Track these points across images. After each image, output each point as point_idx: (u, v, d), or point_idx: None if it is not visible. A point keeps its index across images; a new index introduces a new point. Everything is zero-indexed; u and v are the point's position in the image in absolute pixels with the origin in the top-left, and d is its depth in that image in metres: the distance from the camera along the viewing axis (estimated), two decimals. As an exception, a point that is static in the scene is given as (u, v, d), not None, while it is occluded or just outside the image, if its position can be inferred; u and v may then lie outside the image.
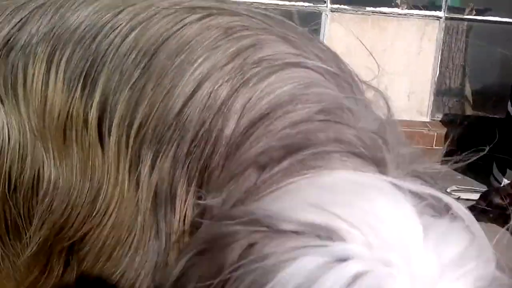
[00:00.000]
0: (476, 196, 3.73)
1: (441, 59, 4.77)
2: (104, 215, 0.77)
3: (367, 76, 4.01)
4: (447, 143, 4.34)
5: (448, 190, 3.78)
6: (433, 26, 4.49)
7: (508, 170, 3.87)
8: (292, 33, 0.86)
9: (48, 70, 0.80)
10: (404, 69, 4.55)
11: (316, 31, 4.56)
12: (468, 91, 5.52)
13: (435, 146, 4.46)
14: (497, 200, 1.99)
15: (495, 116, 4.92)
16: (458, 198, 3.64)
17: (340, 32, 4.44)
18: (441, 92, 5.11)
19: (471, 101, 5.58)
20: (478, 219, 1.81)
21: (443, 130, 4.47)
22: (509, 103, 4.08)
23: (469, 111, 5.40)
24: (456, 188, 3.81)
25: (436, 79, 4.59)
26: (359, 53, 4.55)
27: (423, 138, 4.44)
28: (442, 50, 4.77)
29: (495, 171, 4.09)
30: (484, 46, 5.65)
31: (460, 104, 5.38)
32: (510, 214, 1.96)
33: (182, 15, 0.81)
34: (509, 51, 5.05)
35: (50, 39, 0.82)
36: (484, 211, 2.05)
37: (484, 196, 2.06)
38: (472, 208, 2.09)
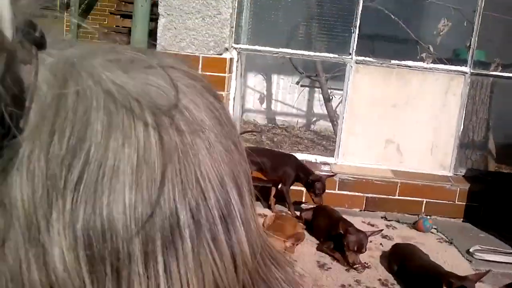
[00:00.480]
0: (499, 258, 3.64)
1: (465, 113, 4.74)
2: None
3: (389, 129, 4.04)
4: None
5: (471, 250, 3.69)
6: (458, 80, 4.49)
7: (533, 232, 3.77)
8: None
9: None
10: (428, 123, 4.54)
11: (340, 78, 4.59)
12: (491, 145, 5.47)
13: (457, 201, 4.39)
14: None
15: (519, 172, 4.85)
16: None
17: (364, 83, 4.47)
18: (464, 145, 5.07)
19: (495, 155, 5.52)
20: None
21: (466, 186, 4.40)
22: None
23: (492, 166, 5.34)
24: (480, 248, 3.71)
25: (460, 133, 4.55)
26: (383, 104, 4.60)
27: (446, 193, 4.38)
28: (466, 104, 4.75)
29: (520, 231, 3.99)
30: (508, 100, 5.63)
31: (483, 158, 5.33)
32: None
33: None
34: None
35: None
36: None
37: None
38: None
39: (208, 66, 4.18)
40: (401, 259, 3.20)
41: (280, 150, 4.28)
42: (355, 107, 4.51)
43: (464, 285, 2.64)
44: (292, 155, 4.23)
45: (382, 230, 3.38)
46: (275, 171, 3.94)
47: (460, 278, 2.72)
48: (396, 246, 3.41)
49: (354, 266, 3.22)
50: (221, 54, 4.18)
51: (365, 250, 3.23)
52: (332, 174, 4.11)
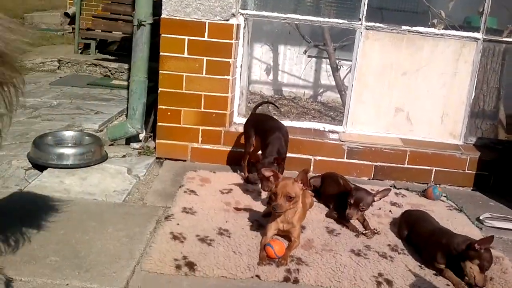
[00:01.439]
0: (509, 225, 3.61)
1: (476, 81, 4.65)
2: None
3: (399, 97, 3.99)
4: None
5: (481, 217, 3.66)
6: (470, 47, 4.39)
7: (544, 199, 3.73)
8: None
9: None
10: (438, 91, 4.46)
11: (348, 48, 4.51)
12: (502, 114, 5.38)
13: (467, 170, 4.35)
14: None
15: (530, 141, 4.78)
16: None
17: (374, 50, 4.38)
18: (474, 114, 4.99)
19: (505, 125, 5.43)
20: None
21: (477, 154, 4.34)
22: (547, 129, 3.94)
23: (502, 135, 5.25)
24: (490, 216, 3.68)
25: (471, 101, 4.47)
26: (393, 72, 4.53)
27: (456, 162, 4.33)
28: (478, 72, 4.66)
29: (531, 199, 3.95)
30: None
31: (493, 127, 5.24)
32: None
33: None
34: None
35: None
36: None
37: None
38: None
39: (215, 32, 4.11)
40: (411, 225, 3.18)
41: (274, 122, 3.98)
42: (364, 75, 4.43)
43: (474, 247, 2.61)
44: (281, 128, 3.85)
45: (389, 189, 3.33)
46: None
47: (470, 241, 2.70)
48: (406, 212, 3.38)
49: (364, 232, 3.20)
50: (227, 20, 4.09)
51: (365, 207, 3.19)
52: None
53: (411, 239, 3.12)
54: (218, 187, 3.74)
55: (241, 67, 4.43)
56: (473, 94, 4.50)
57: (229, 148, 4.31)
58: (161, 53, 4.16)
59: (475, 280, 2.62)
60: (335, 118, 5.96)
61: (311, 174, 4.07)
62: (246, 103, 5.08)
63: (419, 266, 2.87)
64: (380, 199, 3.28)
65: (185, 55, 4.15)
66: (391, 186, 4.15)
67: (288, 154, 4.19)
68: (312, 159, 4.30)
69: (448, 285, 2.71)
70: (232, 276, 2.58)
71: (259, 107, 4.35)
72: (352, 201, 3.17)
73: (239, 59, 4.38)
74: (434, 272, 2.81)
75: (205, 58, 4.15)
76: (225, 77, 4.18)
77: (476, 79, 4.46)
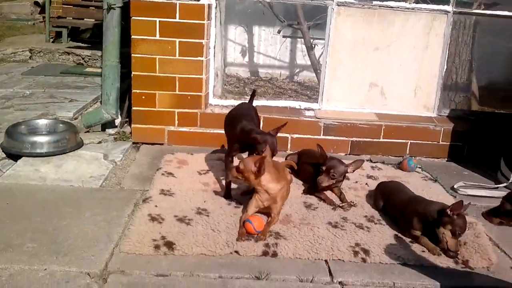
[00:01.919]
0: (483, 192, 3.69)
1: (448, 54, 4.71)
2: None
3: (372, 73, 4.04)
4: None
5: (455, 186, 3.74)
6: (441, 20, 4.43)
7: (516, 166, 3.82)
8: None
9: None
10: (411, 64, 4.50)
11: (322, 26, 4.51)
12: (475, 86, 5.47)
13: (441, 141, 4.42)
14: None
15: (502, 111, 4.87)
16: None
17: (346, 26, 4.39)
18: (447, 87, 5.06)
19: (478, 97, 5.53)
20: (503, 223, 1.74)
21: (450, 126, 4.42)
22: (517, 98, 4.02)
23: (475, 107, 5.35)
24: (463, 184, 3.76)
25: (443, 74, 4.53)
26: (365, 47, 4.55)
27: (430, 134, 4.40)
28: (449, 45, 4.71)
29: (503, 167, 4.04)
30: (491, 40, 5.60)
31: (466, 99, 5.33)
32: None
33: None
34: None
35: None
36: (509, 214, 2.00)
37: (509, 199, 2.01)
38: (496, 212, 2.05)
39: (186, 13, 4.07)
40: (386, 196, 3.23)
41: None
42: (338, 52, 4.45)
43: (447, 213, 2.68)
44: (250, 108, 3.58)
45: (363, 160, 3.40)
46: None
47: (442, 205, 2.77)
48: (381, 184, 3.44)
49: (340, 205, 3.25)
50: (198, 0, 4.06)
51: (337, 174, 3.25)
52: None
53: (387, 209, 3.18)
54: (196, 168, 3.74)
55: (214, 48, 4.41)
56: (445, 67, 4.55)
57: (206, 130, 4.30)
58: (132, 36, 4.11)
59: (447, 244, 2.68)
60: (311, 97, 5.97)
61: (288, 151, 4.10)
62: (222, 84, 5.07)
63: (395, 235, 2.93)
64: (353, 170, 3.33)
65: (157, 37, 4.11)
66: (367, 161, 4.20)
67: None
68: (289, 137, 4.33)
69: (423, 251, 2.77)
70: (211, 253, 2.60)
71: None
72: (324, 168, 3.23)
73: (212, 40, 4.36)
74: (410, 240, 2.88)
75: (177, 40, 4.12)
76: (199, 58, 4.16)
77: (447, 52, 4.52)
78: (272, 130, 3.09)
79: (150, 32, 4.09)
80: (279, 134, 3.83)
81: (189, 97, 4.23)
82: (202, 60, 4.16)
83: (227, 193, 3.25)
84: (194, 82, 4.21)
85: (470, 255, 2.73)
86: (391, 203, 3.15)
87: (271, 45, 7.17)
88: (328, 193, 3.41)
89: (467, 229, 2.83)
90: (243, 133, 3.10)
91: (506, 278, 2.61)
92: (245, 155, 3.21)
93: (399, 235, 2.93)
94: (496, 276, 2.62)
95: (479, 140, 4.42)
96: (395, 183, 3.40)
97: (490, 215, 2.10)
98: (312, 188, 3.40)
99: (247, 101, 3.72)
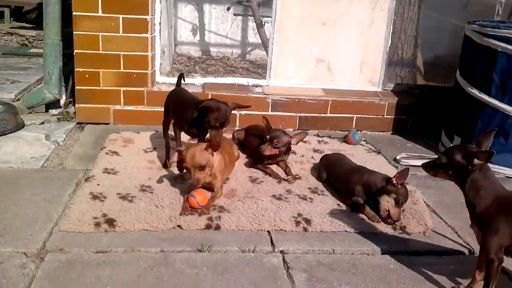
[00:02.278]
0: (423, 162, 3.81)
1: (393, 30, 4.79)
2: None
3: (319, 48, 4.07)
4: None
5: (398, 157, 3.85)
6: (385, -5, 4.49)
7: (455, 137, 3.96)
8: None
9: None
10: (357, 40, 4.56)
11: (271, 2, 4.50)
12: (420, 61, 5.60)
13: (386, 115, 4.53)
14: (458, 158, 2.02)
15: (445, 85, 5.01)
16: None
17: (293, 2, 4.39)
18: (393, 63, 5.16)
19: (423, 72, 5.66)
20: (437, 175, 1.83)
21: (395, 100, 4.52)
22: (457, 72, 4.15)
23: (420, 81, 5.48)
24: (406, 155, 3.87)
25: (388, 49, 4.61)
26: (312, 23, 4.56)
27: (375, 108, 4.50)
28: (394, 21, 4.79)
29: (443, 138, 4.18)
30: (436, 16, 5.73)
31: (412, 74, 5.45)
32: (470, 171, 2.01)
33: None
34: (459, 21, 5.12)
35: None
36: (445, 166, 2.08)
37: (446, 153, 2.10)
38: (432, 164, 2.13)
39: (129, -12, 3.97)
40: (329, 167, 3.29)
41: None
42: (285, 28, 4.45)
43: (392, 182, 2.77)
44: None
45: (306, 132, 3.46)
46: None
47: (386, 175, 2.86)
48: (324, 156, 3.50)
49: (285, 178, 3.29)
50: (141, -25, 3.96)
51: (279, 144, 3.28)
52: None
53: (331, 180, 3.24)
54: (142, 146, 3.70)
55: (160, 25, 4.33)
56: (390, 42, 4.63)
57: (153, 108, 4.24)
58: (73, 13, 3.98)
59: (389, 213, 2.76)
60: (262, 75, 5.96)
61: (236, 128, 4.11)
62: (170, 62, 5.00)
63: (337, 204, 3.00)
64: (297, 142, 3.37)
65: (100, 13, 3.99)
66: (314, 135, 4.26)
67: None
68: (238, 114, 4.33)
69: (363, 219, 2.85)
70: (154, 228, 2.58)
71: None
72: (267, 137, 3.26)
73: (157, 16, 4.27)
74: (351, 209, 2.95)
75: (121, 16, 4.01)
76: (144, 35, 4.07)
77: (392, 27, 4.59)
78: (230, 102, 3.04)
79: (92, 8, 3.97)
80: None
81: (134, 75, 4.15)
82: (147, 37, 4.08)
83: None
84: (140, 60, 4.13)
85: (408, 221, 2.83)
86: (335, 174, 3.21)
87: (222, 24, 7.11)
88: (274, 167, 3.44)
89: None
90: (194, 105, 3.00)
91: (441, 242, 2.72)
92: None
93: (341, 204, 2.99)
94: (432, 240, 2.73)
95: (422, 113, 4.55)
96: (338, 155, 3.47)
97: (428, 167, 2.19)
98: (257, 160, 3.42)
99: (195, 80, 3.71)
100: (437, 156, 2.21)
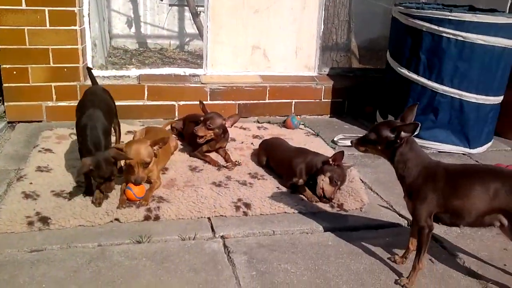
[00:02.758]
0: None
1: (327, 16, 4.88)
2: None
3: (254, 35, 4.08)
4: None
5: (335, 139, 3.94)
6: (316, -19, 4.56)
7: (389, 116, 4.10)
8: None
9: None
10: (290, 26, 4.61)
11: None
12: (354, 45, 5.75)
13: (323, 99, 4.62)
14: (386, 132, 2.09)
15: (378, 67, 5.17)
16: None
17: (225, -10, 4.38)
18: (328, 47, 5.27)
19: (357, 55, 5.82)
20: (367, 151, 1.88)
21: (330, 83, 4.62)
22: (387, 53, 4.28)
23: (356, 64, 5.63)
24: (343, 137, 3.97)
25: (321, 34, 4.69)
26: (245, 11, 4.56)
27: (312, 92, 4.58)
28: (327, 6, 4.88)
29: (378, 117, 4.32)
30: (367, 1, 5.89)
31: (347, 58, 5.60)
32: (397, 145, 2.08)
33: None
34: (389, 4, 5.29)
35: None
36: (374, 142, 2.14)
37: (374, 129, 2.16)
38: (362, 140, 2.19)
39: (53, -21, 3.82)
40: (269, 151, 3.33)
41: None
42: (219, 15, 4.43)
43: (328, 161, 2.84)
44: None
45: (239, 115, 3.57)
46: None
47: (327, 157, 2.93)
48: (264, 141, 3.53)
49: (225, 165, 3.29)
50: (65, -35, 3.81)
51: (212, 125, 3.29)
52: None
53: (271, 164, 3.28)
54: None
55: (89, 16, 4.20)
56: (322, 27, 4.71)
57: (88, 103, 4.12)
58: (-5, 7, 3.79)
59: (323, 191, 2.83)
60: (202, 65, 5.94)
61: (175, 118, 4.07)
62: (103, 55, 4.87)
63: (276, 188, 3.04)
64: (231, 124, 3.39)
65: (23, 6, 3.82)
66: (254, 122, 4.29)
67: (151, 102, 4.17)
68: (176, 105, 4.28)
69: (302, 200, 2.90)
70: (90, 223, 2.52)
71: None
72: (201, 119, 3.27)
73: (86, 8, 4.14)
74: (291, 191, 3.00)
75: (46, 9, 3.86)
76: (72, 27, 3.94)
77: (324, 12, 4.67)
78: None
79: (14, 1, 3.79)
80: (165, 102, 3.80)
81: (65, 70, 4.01)
82: (76, 29, 3.95)
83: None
84: (70, 53, 3.99)
85: (345, 199, 2.91)
86: (275, 157, 3.25)
87: (158, 15, 7.00)
88: (214, 155, 3.44)
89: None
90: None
91: (377, 216, 2.82)
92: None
93: (280, 187, 3.04)
94: (368, 215, 2.82)
95: (357, 95, 4.68)
96: (277, 139, 3.51)
97: (358, 143, 2.25)
98: (195, 148, 3.41)
99: (130, 72, 3.61)
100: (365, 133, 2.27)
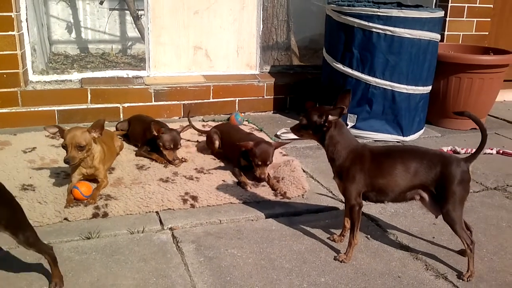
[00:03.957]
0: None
1: (266, 16, 5.05)
2: None
3: (195, 36, 4.20)
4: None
5: (278, 133, 4.10)
6: (253, -18, 4.72)
7: (328, 109, 4.29)
8: None
9: None
10: (230, 26, 4.75)
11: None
12: (293, 44, 5.95)
13: (266, 96, 4.78)
14: (315, 117, 2.25)
15: (317, 64, 5.38)
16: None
17: (164, -8, 4.46)
18: (269, 47, 5.44)
19: (297, 53, 6.03)
20: (303, 136, 2.04)
21: (272, 81, 4.79)
22: (324, 49, 4.49)
23: (296, 62, 5.84)
24: (285, 130, 4.13)
25: (261, 33, 4.85)
26: (185, 11, 4.65)
27: (255, 90, 4.73)
28: (266, 7, 5.05)
29: (318, 111, 4.52)
30: (304, 0, 6.11)
31: (288, 56, 5.79)
32: (326, 128, 2.24)
33: None
34: (324, 3, 5.52)
35: None
36: (306, 127, 2.29)
37: (305, 115, 2.32)
38: (298, 127, 2.34)
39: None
40: (222, 133, 3.56)
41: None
42: (159, 17, 4.51)
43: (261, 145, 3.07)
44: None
45: (189, 126, 3.63)
46: None
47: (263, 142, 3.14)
48: (216, 126, 3.73)
49: (176, 164, 3.38)
50: (0, -30, 3.78)
51: (180, 146, 3.40)
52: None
53: (223, 148, 3.47)
54: (20, 147, 3.57)
55: (27, 21, 4.16)
56: (262, 27, 4.87)
57: (30, 109, 4.09)
58: None
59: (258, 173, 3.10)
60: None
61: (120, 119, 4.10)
62: (44, 60, 4.82)
63: (222, 181, 3.15)
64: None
65: (-43, 13, 3.75)
66: (200, 121, 4.39)
67: (95, 105, 4.19)
68: (121, 107, 4.32)
69: (246, 190, 3.03)
70: (38, 224, 2.54)
71: None
72: (171, 146, 3.34)
73: (23, 13, 4.10)
74: (237, 182, 3.12)
75: (-19, 15, 3.81)
76: (10, 33, 3.90)
77: (262, 12, 4.84)
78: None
79: None
80: (109, 105, 3.86)
81: (4, 76, 3.97)
82: (14, 35, 3.91)
83: None
84: (8, 59, 3.95)
85: (287, 187, 3.07)
86: (227, 140, 3.41)
87: (98, 19, 6.95)
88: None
89: (284, 165, 3.18)
90: None
91: (317, 202, 2.99)
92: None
93: (226, 180, 3.16)
94: (309, 201, 2.99)
95: (298, 91, 4.87)
96: (229, 124, 3.77)
97: (295, 129, 2.40)
98: (143, 150, 3.48)
99: (71, 76, 3.67)
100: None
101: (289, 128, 4.13)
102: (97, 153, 2.91)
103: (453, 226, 2.22)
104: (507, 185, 3.35)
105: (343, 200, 2.92)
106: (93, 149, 2.86)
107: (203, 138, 3.85)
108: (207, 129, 4.15)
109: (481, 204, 3.06)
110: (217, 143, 3.48)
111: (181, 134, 3.43)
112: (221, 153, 3.52)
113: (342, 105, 2.33)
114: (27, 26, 4.18)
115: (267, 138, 4.01)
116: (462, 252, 2.43)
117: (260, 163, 3.05)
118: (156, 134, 3.33)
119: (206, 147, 3.66)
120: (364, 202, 2.33)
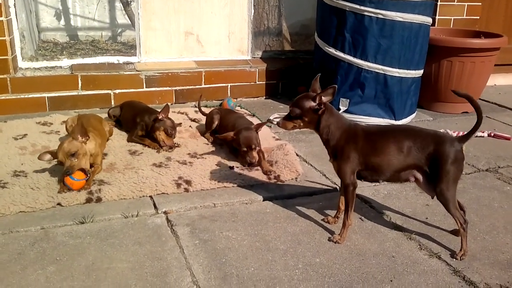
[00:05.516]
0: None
1: (257, 1, 5.01)
2: None
3: (186, 21, 4.19)
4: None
5: (271, 117, 4.10)
6: (243, -34, 4.67)
7: (320, 94, 4.29)
8: None
9: None
10: (222, 11, 4.71)
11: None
12: (285, 29, 5.92)
13: (258, 81, 4.77)
14: (309, 103, 2.23)
15: (309, 49, 5.37)
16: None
17: (154, -23, 4.41)
18: (261, 32, 5.41)
19: (289, 38, 6.00)
20: (295, 127, 2.02)
21: (264, 66, 4.77)
22: (315, 34, 4.48)
23: (287, 47, 5.82)
24: (278, 115, 4.13)
25: (252, 18, 4.82)
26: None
27: (247, 75, 4.71)
28: (258, -8, 5.02)
29: (310, 96, 4.51)
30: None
31: (279, 42, 5.76)
32: (321, 112, 2.23)
33: None
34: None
35: None
36: (300, 116, 2.27)
37: (296, 105, 2.29)
38: (288, 118, 2.32)
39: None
40: (221, 115, 3.58)
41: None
42: (150, 2, 4.46)
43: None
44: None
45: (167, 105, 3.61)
46: None
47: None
48: (216, 108, 3.79)
49: (168, 149, 3.36)
50: (-14, -46, 3.71)
51: (175, 133, 3.39)
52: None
53: (220, 129, 3.48)
54: (11, 134, 3.54)
55: (15, 7, 4.10)
56: (253, 12, 4.84)
57: (20, 96, 4.05)
58: None
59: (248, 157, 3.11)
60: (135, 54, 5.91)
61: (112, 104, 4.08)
62: (33, 46, 4.77)
63: (215, 165, 3.15)
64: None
65: None
66: (192, 107, 4.37)
67: (86, 92, 4.15)
68: (112, 93, 4.28)
69: (240, 174, 3.03)
70: (31, 209, 2.53)
71: None
72: (168, 131, 3.35)
73: (11, -1, 4.04)
74: (230, 166, 3.12)
75: (-32, 0, 3.75)
76: (-2, 18, 3.84)
77: (257, -1, 4.80)
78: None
79: None
80: (100, 91, 3.83)
81: (-7, 62, 3.92)
82: (2, 20, 3.86)
83: None
84: (-3, 45, 3.90)
85: (281, 171, 3.07)
86: (224, 121, 3.42)
87: (87, 6, 6.85)
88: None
89: (278, 149, 3.18)
90: None
91: (311, 184, 3.00)
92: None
93: (219, 164, 3.15)
94: (303, 184, 2.99)
95: (290, 76, 4.86)
96: (228, 109, 3.90)
97: (285, 122, 2.37)
98: (135, 135, 3.46)
99: (61, 62, 3.61)
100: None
101: (281, 114, 4.18)
102: (93, 150, 2.88)
103: (447, 205, 2.23)
104: (499, 167, 3.38)
105: (337, 183, 2.95)
106: (87, 148, 2.82)
107: (195, 124, 3.84)
108: (199, 115, 4.15)
109: (473, 185, 3.08)
110: (216, 123, 3.50)
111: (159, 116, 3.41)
112: (215, 137, 3.51)
113: (315, 89, 2.32)
114: (15, 11, 4.11)
115: (258, 122, 4.01)
116: (455, 232, 2.45)
117: (245, 149, 3.06)
118: (161, 119, 3.31)
119: (198, 134, 3.65)
120: (358, 182, 2.33)
